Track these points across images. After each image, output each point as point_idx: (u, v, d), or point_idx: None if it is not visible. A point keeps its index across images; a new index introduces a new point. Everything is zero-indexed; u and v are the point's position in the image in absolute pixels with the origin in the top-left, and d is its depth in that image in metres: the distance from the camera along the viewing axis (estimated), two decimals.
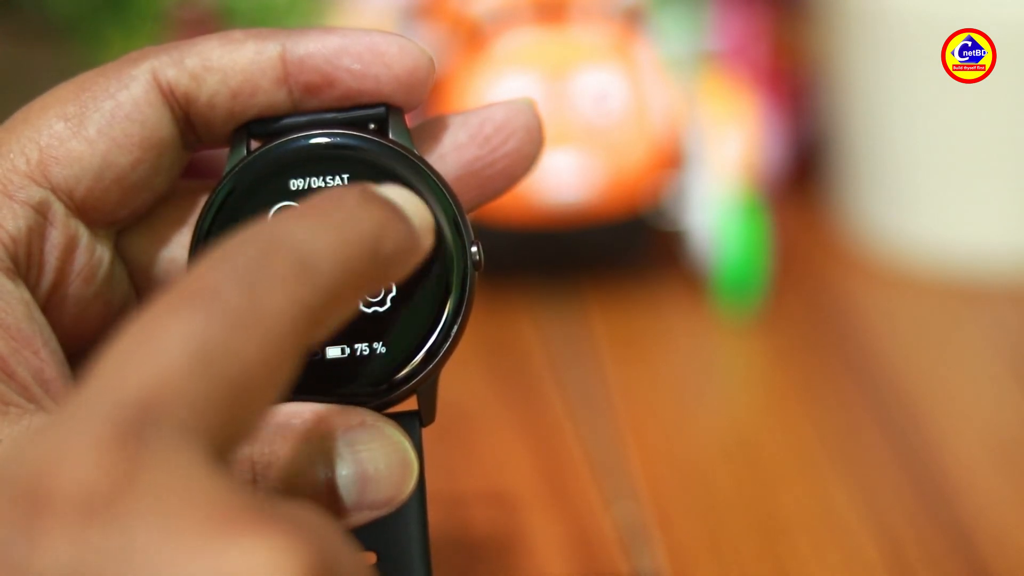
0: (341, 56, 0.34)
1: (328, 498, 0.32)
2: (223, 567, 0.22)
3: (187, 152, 0.35)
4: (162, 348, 0.25)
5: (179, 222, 0.36)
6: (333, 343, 0.34)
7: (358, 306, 0.33)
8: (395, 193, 0.31)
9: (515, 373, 0.60)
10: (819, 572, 0.48)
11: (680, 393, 0.60)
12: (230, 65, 0.34)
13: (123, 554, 0.22)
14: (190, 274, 0.27)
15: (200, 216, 0.34)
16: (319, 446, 0.32)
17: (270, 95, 0.34)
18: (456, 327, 0.34)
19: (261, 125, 0.35)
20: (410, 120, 0.36)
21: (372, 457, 0.32)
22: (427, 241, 0.31)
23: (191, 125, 0.35)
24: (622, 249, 0.66)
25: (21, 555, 0.22)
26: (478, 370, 0.59)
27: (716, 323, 0.63)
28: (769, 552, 0.48)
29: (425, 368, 0.34)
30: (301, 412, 0.33)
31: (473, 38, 0.64)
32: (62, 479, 0.23)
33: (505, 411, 0.57)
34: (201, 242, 0.34)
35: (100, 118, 0.33)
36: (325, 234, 0.28)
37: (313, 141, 0.34)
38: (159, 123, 0.34)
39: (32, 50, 0.65)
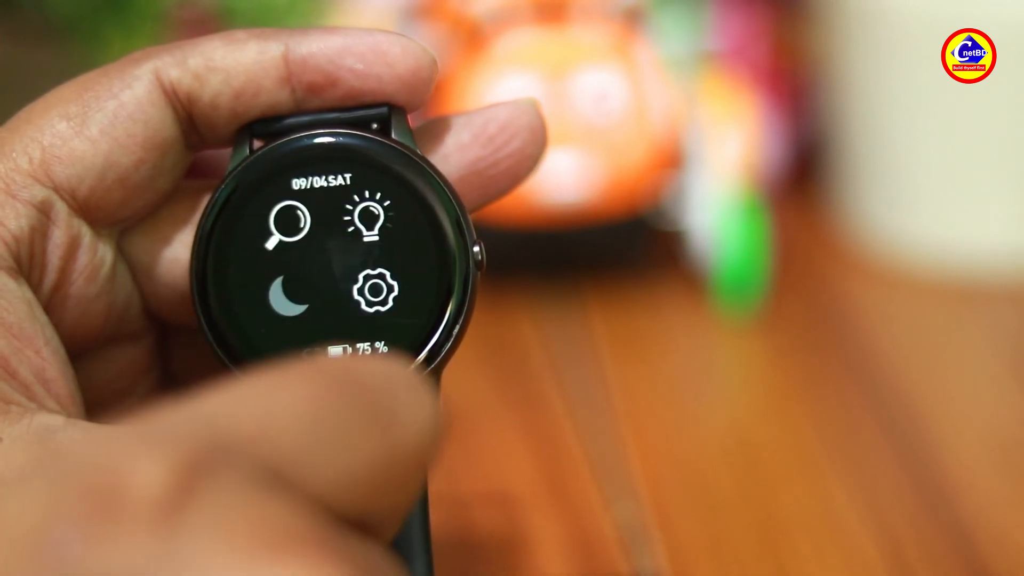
0: (344, 56, 0.34)
1: None
2: None
3: (190, 152, 0.35)
4: (278, 407, 0.24)
5: (182, 222, 0.35)
6: (334, 343, 0.34)
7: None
8: None
9: (515, 373, 0.60)
10: (819, 572, 0.47)
11: (680, 393, 0.60)
12: (233, 65, 0.34)
13: (172, 565, 0.22)
14: (344, 362, 0.26)
15: (202, 216, 0.34)
16: None
17: (273, 95, 0.34)
18: (458, 327, 0.34)
19: (264, 125, 0.35)
20: (412, 120, 0.36)
21: None
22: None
23: (194, 125, 0.34)
24: (622, 249, 0.66)
25: (75, 555, 0.22)
26: (478, 370, 0.59)
27: (716, 323, 0.63)
28: (769, 552, 0.48)
29: (426, 368, 0.34)
30: None
31: (473, 38, 0.64)
32: (134, 485, 0.23)
33: (505, 411, 0.57)
34: (203, 242, 0.34)
35: (103, 118, 0.33)
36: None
37: (316, 141, 0.34)
38: (162, 123, 0.34)
39: (32, 50, 0.65)
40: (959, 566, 0.48)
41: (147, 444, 0.23)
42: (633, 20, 0.66)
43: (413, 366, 0.34)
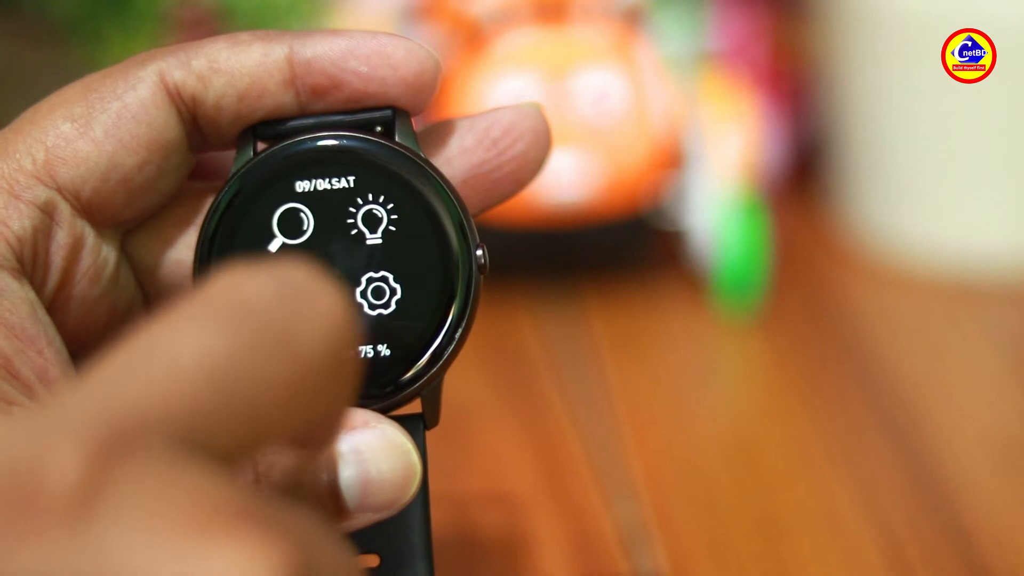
0: (348, 59, 0.34)
1: (330, 500, 0.32)
2: (195, 567, 0.22)
3: (193, 154, 0.35)
4: (175, 360, 0.24)
5: (185, 224, 0.35)
6: None
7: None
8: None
9: (516, 374, 0.60)
10: (819, 573, 0.47)
11: (680, 393, 0.60)
12: (237, 67, 0.34)
13: (97, 556, 0.22)
14: (228, 290, 0.25)
15: (206, 217, 0.34)
16: None
17: (277, 97, 0.34)
18: (461, 330, 0.34)
19: (268, 127, 0.35)
20: (416, 123, 0.35)
21: (375, 459, 0.32)
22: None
23: (198, 127, 0.34)
24: (622, 249, 0.66)
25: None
26: (479, 371, 0.59)
27: (716, 323, 0.63)
28: (770, 552, 0.48)
29: (429, 371, 0.34)
30: None
31: (473, 38, 0.64)
32: (45, 479, 0.22)
33: (506, 411, 0.57)
34: (206, 244, 0.34)
35: (107, 119, 0.33)
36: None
37: (320, 143, 0.34)
38: (166, 125, 0.34)
39: (32, 50, 0.65)
40: (959, 567, 0.47)
41: (53, 435, 0.23)
42: (633, 20, 0.66)
43: (415, 370, 0.34)
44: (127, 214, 0.34)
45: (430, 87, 0.34)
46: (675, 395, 0.60)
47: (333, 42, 0.34)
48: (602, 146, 0.63)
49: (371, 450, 0.32)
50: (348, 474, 0.32)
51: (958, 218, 0.67)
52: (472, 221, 0.35)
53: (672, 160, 0.64)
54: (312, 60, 0.34)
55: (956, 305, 0.65)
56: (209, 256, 0.34)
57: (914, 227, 0.67)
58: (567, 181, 0.63)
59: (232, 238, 0.34)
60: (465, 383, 0.58)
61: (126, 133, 0.33)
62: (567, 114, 0.63)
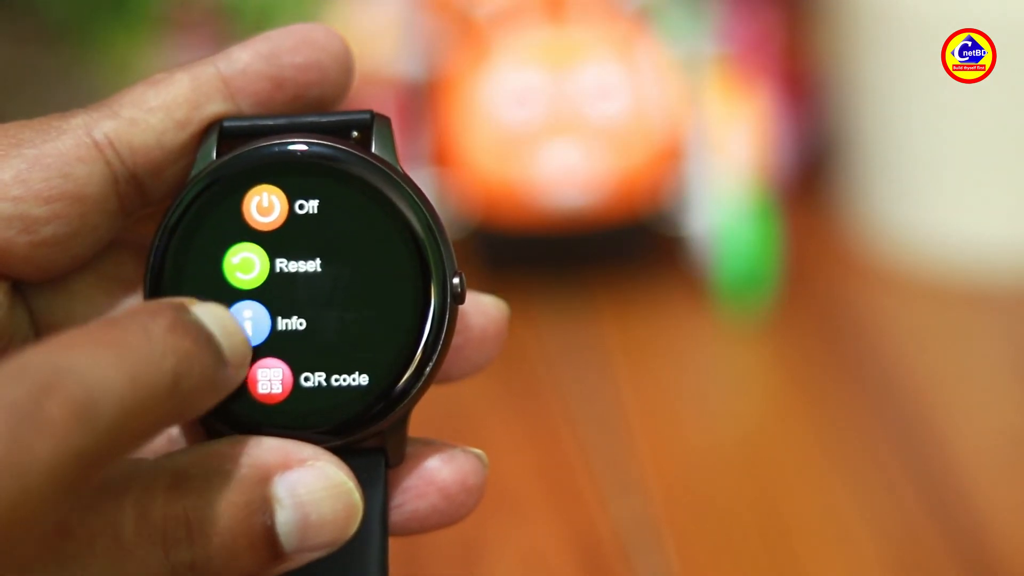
0: (279, 55, 0.32)
1: (267, 543, 0.30)
2: None
3: (123, 218, 0.33)
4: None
5: (99, 289, 0.34)
6: (311, 370, 0.32)
7: (145, 443, 0.30)
8: (211, 318, 0.30)
9: (520, 377, 0.59)
10: None
11: (687, 400, 0.60)
12: (170, 99, 0.32)
13: None
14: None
15: (162, 220, 0.32)
16: (258, 491, 0.30)
17: (221, 116, 0.32)
18: (431, 365, 0.31)
19: (234, 125, 0.32)
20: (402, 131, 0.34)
21: (313, 501, 0.30)
22: (237, 377, 0.30)
23: (139, 183, 0.32)
24: (628, 253, 0.65)
25: None
26: (483, 374, 0.59)
27: (723, 328, 0.62)
28: (775, 558, 0.48)
29: (394, 408, 0.31)
30: (236, 456, 0.30)
31: (476, 35, 0.64)
32: None
33: (510, 415, 0.57)
34: (162, 248, 0.32)
35: (19, 164, 0.31)
36: (116, 371, 0.26)
37: (291, 149, 0.32)
38: (87, 179, 0.32)
39: (32, 51, 0.65)
40: (967, 570, 0.47)
41: None
42: (642, 20, 0.65)
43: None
44: (26, 268, 0.32)
45: (354, 62, 0.33)
46: (682, 402, 0.60)
47: (257, 45, 0.32)
48: (608, 149, 0.63)
49: (309, 491, 0.30)
50: (284, 518, 0.30)
51: (971, 220, 0.67)
52: (451, 245, 0.32)
53: (679, 163, 0.64)
54: (246, 67, 0.32)
55: (971, 310, 0.64)
56: (163, 261, 0.32)
57: (926, 229, 0.67)
58: (572, 185, 0.63)
59: (189, 244, 0.32)
60: (469, 386, 0.58)
61: (39, 181, 0.31)
62: (572, 116, 0.63)
